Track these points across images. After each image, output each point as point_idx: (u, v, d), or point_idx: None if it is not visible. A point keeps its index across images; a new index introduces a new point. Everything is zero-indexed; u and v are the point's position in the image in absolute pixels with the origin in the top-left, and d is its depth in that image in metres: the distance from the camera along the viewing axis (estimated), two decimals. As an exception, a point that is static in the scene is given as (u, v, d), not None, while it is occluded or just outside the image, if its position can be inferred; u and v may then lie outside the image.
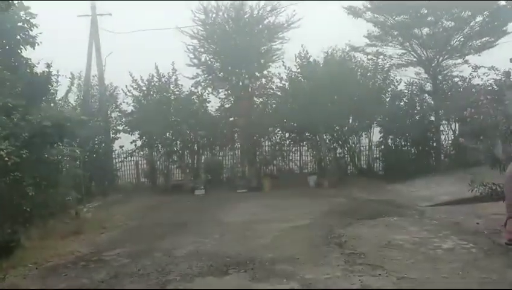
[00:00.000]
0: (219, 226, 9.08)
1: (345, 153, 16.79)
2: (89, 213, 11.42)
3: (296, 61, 15.85)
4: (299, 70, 15.90)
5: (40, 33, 9.98)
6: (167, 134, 16.13)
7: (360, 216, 9.24)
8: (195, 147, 16.93)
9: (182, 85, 16.40)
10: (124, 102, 16.31)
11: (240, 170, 16.71)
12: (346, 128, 16.64)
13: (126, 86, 15.99)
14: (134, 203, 13.19)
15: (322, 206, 10.69)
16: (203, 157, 17.15)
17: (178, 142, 16.30)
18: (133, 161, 17.64)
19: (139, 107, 16.01)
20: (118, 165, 17.03)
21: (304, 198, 12.26)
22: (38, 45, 9.99)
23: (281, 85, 16.22)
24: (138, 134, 15.92)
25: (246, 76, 16.76)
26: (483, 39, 15.27)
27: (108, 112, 16.45)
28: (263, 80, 16.80)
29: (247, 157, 16.38)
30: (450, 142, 15.68)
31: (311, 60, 15.81)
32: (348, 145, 16.74)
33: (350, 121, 16.51)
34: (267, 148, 17.20)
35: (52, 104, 10.95)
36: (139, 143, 16.11)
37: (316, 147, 16.35)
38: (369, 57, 16.41)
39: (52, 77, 10.41)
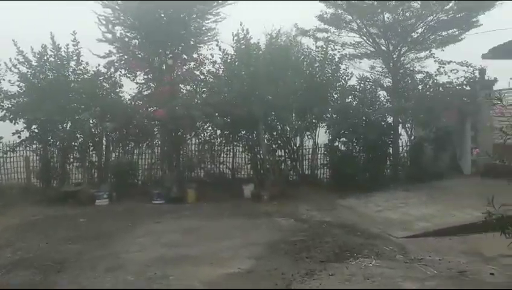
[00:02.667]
0: (109, 272, 5.97)
1: (286, 157, 14.12)
2: None
3: (233, 42, 12.91)
4: (236, 53, 12.98)
5: None
6: (64, 124, 12.54)
7: (323, 255, 6.51)
8: (103, 143, 13.48)
9: (87, 63, 12.87)
10: (3, 79, 12.46)
11: (158, 174, 13.50)
12: (288, 127, 14.00)
13: (10, 60, 12.16)
14: (4, 217, 9.64)
15: (266, 233, 7.87)
16: (113, 156, 13.74)
17: (78, 135, 12.73)
18: (22, 156, 13.88)
19: (27, 87, 12.25)
20: (-1, 161, 13.22)
21: (239, 217, 9.37)
22: None
23: (214, 70, 13.20)
24: (24, 123, 12.19)
25: (171, 57, 13.57)
26: (450, 31, 13.22)
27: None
28: (192, 64, 13.66)
29: (168, 158, 13.21)
30: (407, 148, 13.44)
31: (251, 42, 12.92)
32: (290, 147, 14.11)
33: (293, 118, 13.88)
34: (193, 147, 14.15)
35: None
36: (25, 134, 12.35)
37: (253, 147, 13.48)
38: (318, 44, 13.89)
39: None
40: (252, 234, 7.84)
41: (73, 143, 12.67)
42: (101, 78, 12.84)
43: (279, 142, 14.03)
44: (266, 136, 13.58)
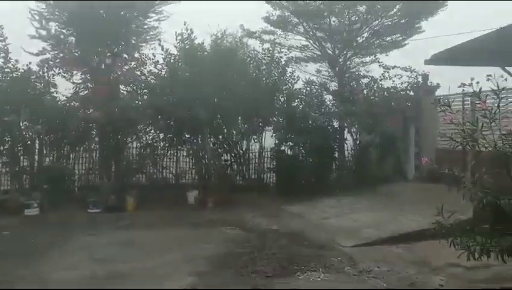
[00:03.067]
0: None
1: (232, 161, 13.71)
2: None
3: (176, 42, 12.35)
4: (180, 54, 12.42)
5: None
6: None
7: (270, 269, 6.14)
8: (36, 147, 12.49)
9: (16, 61, 11.85)
10: None
11: (95, 180, 12.68)
12: (234, 130, 13.60)
13: None
14: None
15: (210, 245, 7.41)
16: (46, 161, 12.76)
17: (7, 138, 11.70)
18: None
19: None
20: None
21: (182, 227, 8.84)
22: None
23: (157, 71, 12.57)
24: None
25: (110, 56, 12.82)
26: (394, 36, 13.34)
27: None
28: (133, 64, 12.95)
29: (107, 163, 12.43)
30: (353, 153, 13.40)
31: (196, 42, 12.41)
32: (236, 151, 13.71)
33: (239, 121, 13.52)
34: (134, 151, 13.43)
35: None
36: None
37: (197, 152, 12.95)
38: (265, 46, 13.60)
39: None
40: (194, 246, 7.35)
41: (0, 147, 11.59)
42: (33, 77, 11.85)
43: (225, 146, 13.61)
44: (211, 139, 13.12)
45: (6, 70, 11.63)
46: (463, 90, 5.17)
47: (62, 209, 10.56)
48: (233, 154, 13.62)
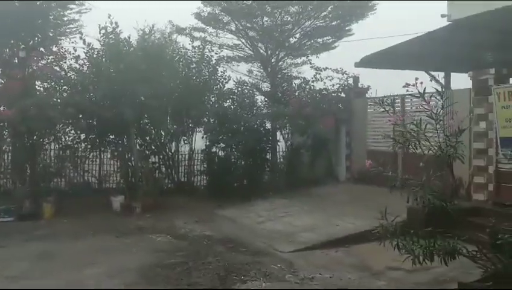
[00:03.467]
0: None
1: (160, 163, 13.05)
2: None
3: (100, 35, 11.50)
4: (103, 48, 11.58)
5: None
6: None
7: (207, 280, 5.70)
8: None
9: None
10: None
11: (7, 185, 11.48)
12: (163, 131, 12.97)
13: None
14: None
15: (138, 256, 6.81)
16: None
17: None
18: None
19: None
20: None
21: (107, 236, 8.10)
22: None
23: (78, 66, 11.62)
24: None
25: (24, 49, 11.66)
26: (325, 38, 13.40)
27: None
28: (50, 58, 11.87)
29: (20, 166, 11.26)
30: (285, 155, 13.27)
31: (121, 37, 11.62)
32: (165, 153, 13.07)
33: (168, 122, 12.91)
34: (52, 153, 12.35)
35: None
36: None
37: (123, 153, 12.15)
38: (195, 44, 13.09)
39: None
40: (121, 257, 6.72)
41: None
42: None
43: (153, 147, 12.96)
44: (138, 141, 12.39)
45: None
46: (407, 90, 5.05)
47: (-34, 219, 9.37)
48: (161, 156, 13.00)
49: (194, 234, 8.28)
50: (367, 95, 12.66)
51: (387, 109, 5.17)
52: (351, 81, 12.84)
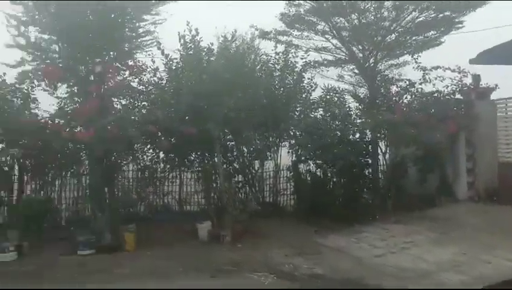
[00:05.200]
0: None
1: (244, 183, 11.80)
2: None
3: (180, 45, 10.51)
4: (183, 59, 10.56)
5: None
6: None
7: None
8: (15, 173, 10.49)
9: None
10: None
11: (86, 212, 10.68)
12: (246, 147, 11.74)
13: None
14: None
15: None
16: (28, 190, 10.75)
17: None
18: None
19: None
20: None
21: (200, 274, 6.86)
22: None
23: (156, 80, 10.70)
24: None
25: (100, 64, 10.88)
26: (429, 34, 11.58)
27: None
28: (127, 73, 11.02)
29: (98, 190, 10.34)
30: (388, 170, 11.49)
31: (201, 45, 10.57)
32: (249, 171, 11.82)
33: (252, 136, 11.62)
34: (131, 175, 11.48)
35: None
36: None
37: (206, 173, 10.99)
38: (278, 50, 11.82)
39: None
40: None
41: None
42: (6, 90, 9.88)
43: (236, 165, 11.75)
44: (218, 158, 11.20)
45: (-26, 83, 9.62)
46: None
47: (46, 251, 8.52)
48: (245, 175, 11.76)
49: (302, 272, 6.83)
50: (492, 97, 10.68)
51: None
52: (466, 81, 10.90)
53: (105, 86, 10.79)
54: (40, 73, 10.73)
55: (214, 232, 9.31)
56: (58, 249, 8.68)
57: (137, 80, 10.68)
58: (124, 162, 11.06)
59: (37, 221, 9.51)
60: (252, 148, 11.71)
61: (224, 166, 11.34)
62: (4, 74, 9.98)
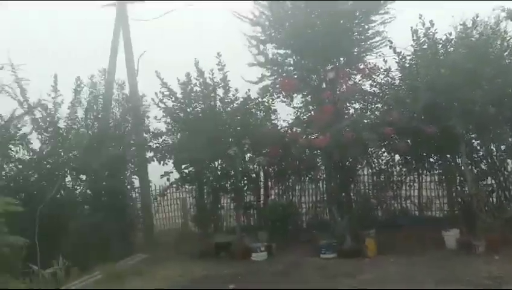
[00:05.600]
0: None
1: (495, 186, 10.34)
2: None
3: (413, 41, 9.91)
4: (416, 54, 9.92)
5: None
6: (215, 162, 10.71)
7: None
8: (261, 180, 11.52)
9: (236, 90, 10.99)
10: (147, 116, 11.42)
11: (324, 215, 10.94)
12: (494, 146, 10.29)
13: (156, 94, 10.86)
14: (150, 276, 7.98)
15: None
16: (273, 194, 11.66)
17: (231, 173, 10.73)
18: (177, 199, 12.88)
19: (173, 123, 10.88)
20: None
21: (453, 285, 6.19)
22: None
23: (389, 80, 10.32)
24: (173, 163, 10.70)
25: (332, 71, 11.05)
26: None
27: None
28: (358, 76, 10.92)
29: (336, 194, 10.40)
30: None
31: (437, 37, 9.74)
32: (500, 173, 10.32)
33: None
34: (366, 179, 11.33)
35: None
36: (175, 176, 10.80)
37: (450, 176, 10.02)
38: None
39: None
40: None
41: (224, 183, 10.73)
42: (251, 104, 10.88)
43: (482, 166, 10.42)
44: (463, 159, 10.04)
45: (226, 100, 10.85)
46: None
47: (291, 253, 9.02)
48: (496, 177, 10.31)
49: None
50: None
51: None
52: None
53: (338, 92, 10.95)
54: (278, 86, 11.51)
55: (463, 240, 8.36)
56: (301, 251, 9.09)
57: (369, 82, 10.44)
58: (359, 166, 10.98)
59: (282, 224, 10.17)
60: (502, 146, 10.19)
61: (469, 167, 10.16)
62: (249, 90, 10.97)
